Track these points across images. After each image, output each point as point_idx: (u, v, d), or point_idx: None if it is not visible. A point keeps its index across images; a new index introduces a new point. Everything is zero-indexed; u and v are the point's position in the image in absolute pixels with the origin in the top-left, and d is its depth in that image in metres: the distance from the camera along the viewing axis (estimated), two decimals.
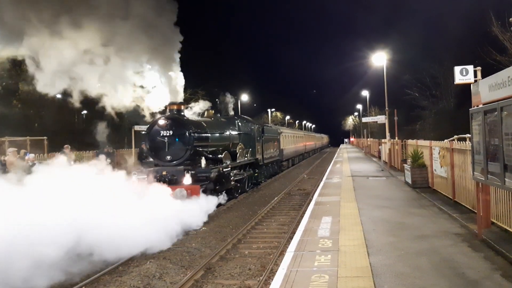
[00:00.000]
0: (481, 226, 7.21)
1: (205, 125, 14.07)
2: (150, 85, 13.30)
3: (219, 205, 12.82)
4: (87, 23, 10.61)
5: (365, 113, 57.34)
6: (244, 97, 51.98)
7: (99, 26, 10.80)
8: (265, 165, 20.99)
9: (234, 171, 15.07)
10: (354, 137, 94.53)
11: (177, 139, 12.51)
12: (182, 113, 13.40)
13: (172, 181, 11.91)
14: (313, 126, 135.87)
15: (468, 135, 8.71)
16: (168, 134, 12.45)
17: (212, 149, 14.21)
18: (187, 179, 11.82)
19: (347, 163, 28.24)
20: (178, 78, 13.28)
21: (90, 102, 12.83)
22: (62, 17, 10.26)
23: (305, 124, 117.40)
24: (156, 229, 8.72)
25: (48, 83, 10.43)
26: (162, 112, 13.68)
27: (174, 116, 12.84)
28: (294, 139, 34.74)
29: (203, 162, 12.71)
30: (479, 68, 8.76)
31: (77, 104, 11.84)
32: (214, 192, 12.52)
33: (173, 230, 9.41)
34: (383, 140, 27.01)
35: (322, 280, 5.42)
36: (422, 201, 11.41)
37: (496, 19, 19.87)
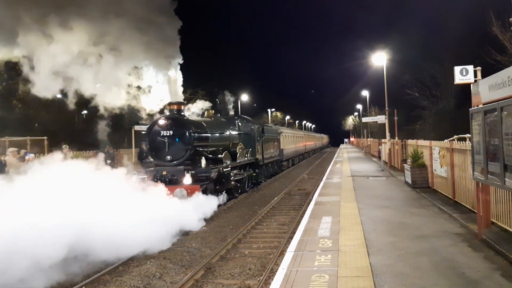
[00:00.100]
0: (481, 226, 7.22)
1: (205, 125, 14.08)
2: (150, 85, 13.31)
3: (219, 205, 12.82)
4: (82, 23, 10.60)
5: (365, 113, 57.35)
6: (244, 97, 51.98)
7: (98, 25, 10.80)
8: (265, 165, 20.99)
9: (234, 171, 15.08)
10: (354, 137, 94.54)
11: (177, 139, 12.52)
12: (182, 113, 13.41)
13: (172, 181, 11.93)
14: (313, 126, 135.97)
15: (468, 135, 8.72)
16: (168, 134, 12.46)
17: (212, 149, 14.22)
18: (187, 179, 11.83)
19: (347, 163, 28.24)
20: (178, 78, 13.28)
21: (91, 102, 12.83)
22: (61, 17, 10.26)
23: (305, 124, 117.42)
24: (156, 229, 8.70)
25: (46, 85, 10.41)
26: (162, 112, 13.69)
27: (174, 116, 12.85)
28: (294, 139, 34.75)
29: (203, 162, 12.72)
30: (479, 68, 8.77)
31: (71, 106, 11.84)
32: (214, 192, 12.52)
33: (172, 231, 9.40)
34: (383, 140, 27.01)
35: (322, 280, 5.42)
36: (422, 201, 11.41)
37: (496, 19, 19.88)
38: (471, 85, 7.64)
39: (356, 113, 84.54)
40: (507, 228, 7.07)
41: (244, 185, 16.73)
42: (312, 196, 13.85)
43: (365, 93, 52.23)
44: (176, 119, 12.73)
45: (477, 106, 7.00)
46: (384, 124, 24.35)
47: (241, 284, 6.89)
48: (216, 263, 8.01)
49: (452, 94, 36.36)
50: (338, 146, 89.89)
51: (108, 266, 7.67)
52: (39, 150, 17.67)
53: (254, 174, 18.53)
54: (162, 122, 12.49)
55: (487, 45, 21.07)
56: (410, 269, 5.75)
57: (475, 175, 7.09)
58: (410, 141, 18.36)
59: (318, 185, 16.43)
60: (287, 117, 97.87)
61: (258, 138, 19.25)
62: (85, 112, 36.62)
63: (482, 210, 7.27)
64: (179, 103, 13.25)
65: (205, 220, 11.18)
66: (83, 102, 12.38)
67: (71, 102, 11.60)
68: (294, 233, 8.34)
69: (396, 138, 24.27)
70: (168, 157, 12.53)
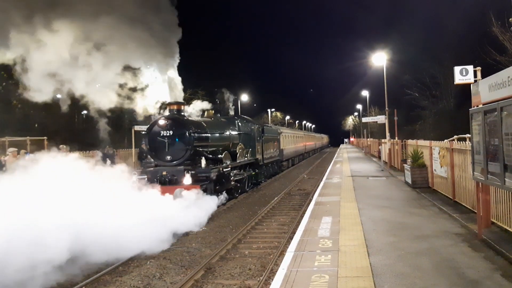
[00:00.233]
0: (481, 226, 7.22)
1: (205, 125, 14.08)
2: (150, 85, 13.30)
3: (219, 205, 12.81)
4: (77, 23, 10.58)
5: (365, 113, 57.39)
6: (244, 97, 52.03)
7: (95, 24, 10.79)
8: (265, 165, 20.99)
9: (234, 171, 15.08)
10: (354, 137, 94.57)
11: (177, 139, 12.52)
12: (182, 113, 13.41)
13: (172, 181, 11.93)
14: (313, 126, 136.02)
15: (468, 135, 8.71)
16: (168, 134, 12.46)
17: (212, 149, 14.22)
18: (187, 179, 11.82)
19: (347, 163, 28.24)
20: (176, 78, 13.28)
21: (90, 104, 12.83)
22: (63, 16, 10.26)
23: (305, 124, 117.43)
24: (150, 230, 8.62)
25: (44, 86, 10.39)
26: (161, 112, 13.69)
27: (174, 116, 12.85)
28: (294, 139, 34.75)
29: (203, 162, 12.72)
30: (479, 68, 8.76)
31: (71, 106, 11.83)
32: (214, 192, 12.52)
33: (170, 232, 9.34)
34: (383, 140, 27.01)
35: (322, 280, 5.42)
36: (422, 201, 11.41)
37: (496, 19, 19.88)
38: (471, 85, 7.63)
39: (356, 113, 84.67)
40: (507, 228, 7.07)
41: (244, 185, 16.72)
42: (312, 196, 13.85)
43: (365, 93, 52.34)
44: (176, 119, 12.74)
45: (477, 106, 7.00)
46: (384, 124, 24.35)
47: (241, 284, 6.89)
48: (216, 263, 8.01)
49: (452, 94, 36.37)
50: (338, 146, 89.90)
51: (108, 266, 7.66)
52: (39, 150, 17.66)
53: (254, 174, 18.53)
54: (162, 122, 12.49)
55: (487, 45, 21.09)
56: (410, 269, 5.75)
57: (475, 175, 7.09)
58: (410, 141, 18.37)
59: (318, 185, 16.43)
60: (287, 117, 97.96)
61: (258, 138, 19.25)
62: (85, 112, 36.60)
63: (482, 210, 7.27)
64: (179, 103, 13.25)
65: (205, 220, 11.17)
66: (84, 102, 12.35)
67: (70, 103, 11.59)
68: (294, 233, 8.34)
69: (396, 138, 24.28)
70: (168, 157, 12.53)
